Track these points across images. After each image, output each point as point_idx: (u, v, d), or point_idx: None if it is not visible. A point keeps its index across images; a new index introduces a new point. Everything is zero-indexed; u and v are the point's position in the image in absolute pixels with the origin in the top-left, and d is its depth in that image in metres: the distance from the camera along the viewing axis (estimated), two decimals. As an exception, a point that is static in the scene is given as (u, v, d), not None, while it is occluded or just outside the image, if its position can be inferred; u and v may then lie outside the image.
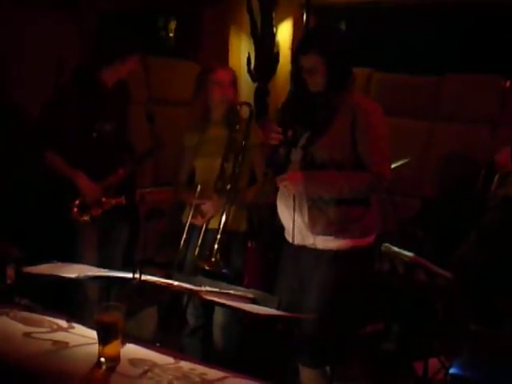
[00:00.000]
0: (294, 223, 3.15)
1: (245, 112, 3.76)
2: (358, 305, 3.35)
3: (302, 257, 3.23)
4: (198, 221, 3.67)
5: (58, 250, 3.75)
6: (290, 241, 3.25)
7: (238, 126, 3.63)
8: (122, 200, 3.97)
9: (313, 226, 3.14)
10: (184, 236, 3.68)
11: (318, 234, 3.14)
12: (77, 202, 3.82)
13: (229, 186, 3.56)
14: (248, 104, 3.79)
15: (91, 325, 2.53)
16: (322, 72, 3.11)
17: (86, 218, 3.84)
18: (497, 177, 4.22)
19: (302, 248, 3.21)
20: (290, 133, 3.10)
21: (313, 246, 3.18)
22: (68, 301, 3.84)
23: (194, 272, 3.51)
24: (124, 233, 4.18)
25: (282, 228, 3.39)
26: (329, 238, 3.14)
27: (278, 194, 3.30)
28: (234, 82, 3.76)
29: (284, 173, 3.15)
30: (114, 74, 3.91)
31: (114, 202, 3.93)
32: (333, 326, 3.17)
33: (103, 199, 3.89)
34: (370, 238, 3.26)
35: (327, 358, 3.27)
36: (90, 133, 3.86)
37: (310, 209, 3.14)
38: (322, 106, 3.14)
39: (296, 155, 3.17)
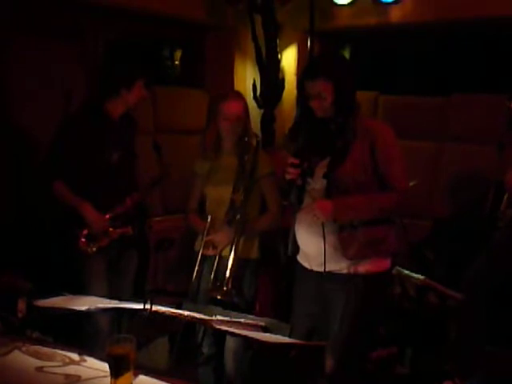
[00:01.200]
0: (325, 251, 3.15)
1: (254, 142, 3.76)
2: (377, 326, 3.45)
3: (327, 283, 3.24)
4: (210, 252, 3.67)
5: (68, 281, 3.75)
6: (315, 268, 3.25)
7: (246, 157, 3.62)
8: (129, 230, 3.96)
9: (345, 251, 3.16)
10: (196, 267, 3.68)
11: (351, 258, 3.17)
12: (84, 232, 3.82)
13: (238, 217, 3.55)
14: (255, 135, 3.78)
15: (101, 357, 2.54)
16: (329, 97, 3.15)
17: (93, 248, 3.84)
18: (506, 196, 4.21)
19: (328, 274, 3.22)
20: (306, 164, 3.14)
21: (340, 272, 3.21)
22: (78, 333, 3.83)
23: (207, 302, 3.51)
24: (132, 262, 4.17)
25: (294, 255, 3.40)
26: (358, 261, 3.18)
27: (299, 222, 3.30)
28: (243, 113, 3.74)
29: (301, 202, 3.19)
30: (123, 104, 3.92)
31: (120, 232, 3.93)
32: (358, 349, 3.25)
33: (110, 229, 3.89)
34: (389, 261, 3.32)
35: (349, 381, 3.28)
36: (98, 163, 3.88)
37: (340, 235, 3.16)
38: (338, 132, 3.18)
39: (316, 184, 3.20)
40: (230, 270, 3.43)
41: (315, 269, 3.27)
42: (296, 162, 3.13)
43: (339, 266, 3.20)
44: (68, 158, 3.84)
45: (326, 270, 3.19)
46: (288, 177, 3.15)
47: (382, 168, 3.16)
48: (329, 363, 3.22)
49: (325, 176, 3.18)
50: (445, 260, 4.63)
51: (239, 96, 3.87)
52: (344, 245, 3.16)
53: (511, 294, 4.13)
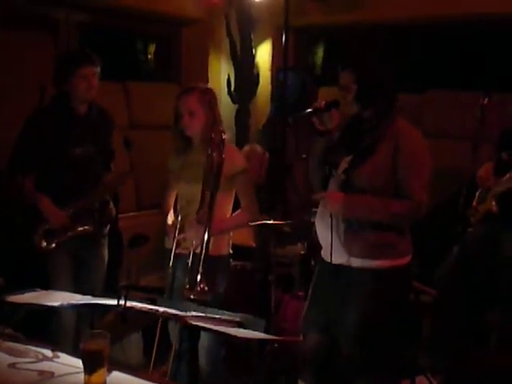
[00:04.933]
0: (332, 242, 3.16)
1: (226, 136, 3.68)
2: (394, 323, 3.32)
3: (340, 275, 3.23)
4: (183, 250, 3.62)
5: (35, 276, 3.72)
6: (327, 259, 3.25)
7: (214, 154, 3.52)
8: (89, 228, 3.94)
9: (349, 248, 3.16)
10: (170, 267, 3.64)
11: (353, 256, 3.16)
12: (42, 227, 3.79)
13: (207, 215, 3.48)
14: (221, 131, 3.58)
15: (71, 352, 2.52)
16: (352, 90, 3.15)
17: (48, 245, 3.80)
18: (478, 192, 4.25)
19: (340, 266, 3.22)
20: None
21: (350, 265, 3.19)
22: (45, 329, 3.80)
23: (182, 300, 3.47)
24: (101, 258, 4.13)
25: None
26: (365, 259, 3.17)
27: (317, 212, 3.32)
28: (197, 105, 3.59)
29: (325, 189, 3.21)
30: (75, 95, 3.85)
31: (80, 228, 3.91)
32: (375, 345, 3.19)
33: (70, 225, 3.86)
34: (407, 259, 3.27)
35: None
36: (60, 158, 3.85)
37: (345, 231, 3.16)
38: (366, 130, 3.16)
39: (336, 178, 3.20)
40: (202, 269, 3.38)
41: (327, 260, 3.27)
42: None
43: (348, 260, 3.19)
44: (31, 152, 3.81)
45: (338, 262, 3.20)
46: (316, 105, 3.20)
47: (401, 175, 3.10)
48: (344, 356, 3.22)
49: (343, 172, 3.18)
50: (419, 256, 4.65)
51: (192, 89, 3.66)
52: (348, 242, 3.16)
53: (483, 290, 4.16)
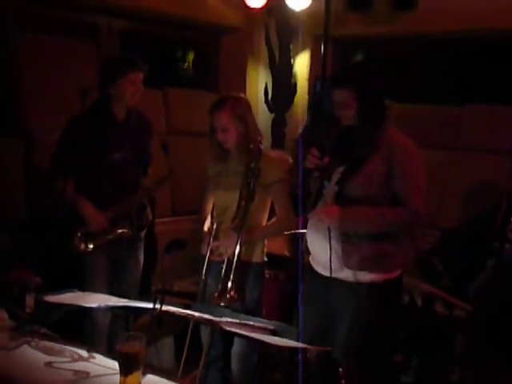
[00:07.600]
0: (331, 256, 3.14)
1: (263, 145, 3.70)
2: (388, 337, 3.34)
3: (334, 288, 3.23)
4: (217, 257, 3.64)
5: (73, 277, 3.77)
6: (323, 272, 3.24)
7: (252, 164, 3.56)
8: (127, 231, 3.97)
9: (347, 261, 3.16)
10: (203, 273, 3.65)
11: (351, 269, 3.16)
12: (81, 230, 3.83)
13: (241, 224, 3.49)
14: (258, 141, 3.63)
15: (103, 353, 2.55)
16: (353, 107, 3.15)
17: (86, 247, 3.84)
18: (516, 208, 4.20)
19: (334, 280, 3.21)
20: (326, 159, 3.14)
21: (346, 279, 3.19)
22: (78, 329, 3.84)
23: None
24: (137, 261, 4.18)
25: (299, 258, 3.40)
26: (362, 272, 3.16)
27: (309, 226, 3.31)
28: (230, 121, 3.59)
29: (316, 205, 3.20)
30: (119, 102, 3.92)
31: (118, 231, 3.94)
32: (371, 357, 3.21)
33: (109, 229, 3.89)
34: (398, 271, 3.27)
35: None
36: (99, 163, 3.90)
37: (343, 243, 3.16)
38: (359, 141, 3.15)
39: (331, 189, 3.20)
40: (233, 276, 3.40)
41: (322, 272, 3.27)
42: (316, 154, 3.14)
43: (344, 273, 3.20)
44: (70, 156, 3.84)
45: (333, 275, 3.19)
46: (307, 165, 3.17)
47: (396, 184, 3.11)
48: (343, 369, 3.21)
49: (336, 183, 3.19)
50: (453, 270, 4.62)
51: (223, 103, 3.64)
52: (345, 254, 3.16)
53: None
